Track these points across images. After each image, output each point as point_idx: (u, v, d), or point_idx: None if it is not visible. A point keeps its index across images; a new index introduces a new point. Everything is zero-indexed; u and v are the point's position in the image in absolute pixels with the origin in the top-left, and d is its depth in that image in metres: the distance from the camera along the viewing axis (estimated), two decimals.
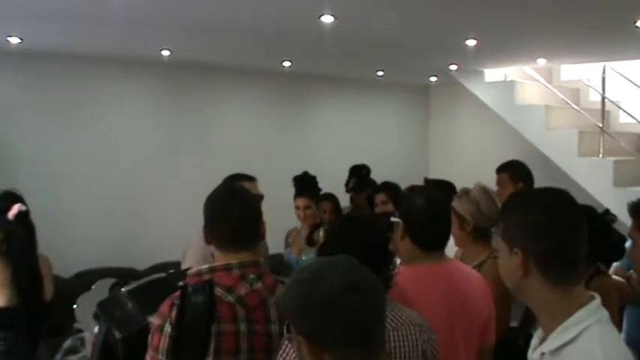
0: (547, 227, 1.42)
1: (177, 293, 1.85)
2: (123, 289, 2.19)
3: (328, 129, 7.49)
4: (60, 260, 5.15)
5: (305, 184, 4.39)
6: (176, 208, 5.98)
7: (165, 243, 5.03)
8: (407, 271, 2.11)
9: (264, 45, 5.26)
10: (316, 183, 4.47)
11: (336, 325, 1.29)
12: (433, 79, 7.43)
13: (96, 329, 2.19)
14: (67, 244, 5.52)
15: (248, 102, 7.00)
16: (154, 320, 1.85)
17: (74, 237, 5.72)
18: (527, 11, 3.97)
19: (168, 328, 1.81)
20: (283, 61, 6.12)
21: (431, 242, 2.20)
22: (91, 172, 5.90)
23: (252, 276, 1.93)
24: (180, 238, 4.61)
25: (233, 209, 1.97)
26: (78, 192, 5.83)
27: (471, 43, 4.92)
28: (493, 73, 6.69)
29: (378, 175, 5.13)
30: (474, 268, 2.63)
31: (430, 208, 2.19)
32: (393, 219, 2.30)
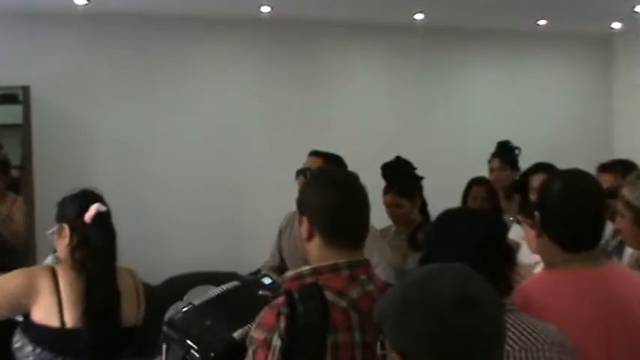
0: None
1: (280, 300, 1.88)
2: (195, 303, 2.24)
3: (473, 96, 7.29)
4: (146, 264, 5.34)
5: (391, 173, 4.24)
6: (287, 197, 5.96)
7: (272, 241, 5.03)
8: (548, 276, 2.14)
9: None
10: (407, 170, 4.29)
11: (443, 346, 1.30)
12: (616, 25, 6.92)
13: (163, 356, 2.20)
14: (154, 244, 5.67)
15: (371, 66, 6.91)
16: (255, 334, 1.87)
17: (163, 235, 5.85)
18: None
19: (277, 342, 1.83)
20: (415, 13, 6.05)
21: (573, 241, 2.14)
22: (182, 156, 6.00)
23: (363, 277, 1.99)
24: None
25: (345, 200, 2.02)
26: (166, 180, 5.93)
27: None
28: None
29: (540, 153, 4.90)
30: None
31: (572, 196, 2.15)
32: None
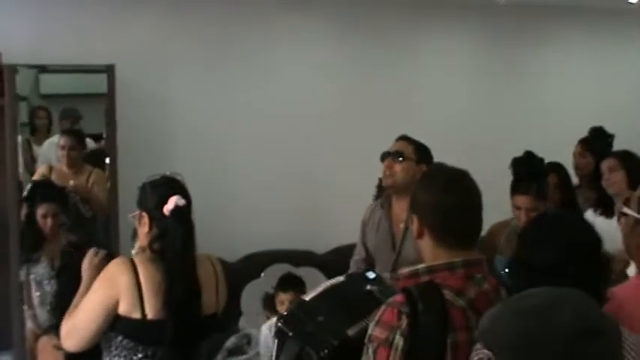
0: None
1: (399, 298, 1.89)
2: (306, 298, 2.24)
3: (557, 78, 7.08)
4: (224, 241, 5.39)
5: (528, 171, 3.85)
6: (363, 177, 5.92)
7: (350, 220, 4.99)
8: None
9: None
10: (542, 169, 3.96)
11: None
12: None
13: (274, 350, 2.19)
14: (232, 222, 5.71)
15: (451, 48, 6.77)
16: (375, 332, 1.89)
17: (240, 212, 5.88)
18: None
19: (399, 341, 1.84)
20: None
21: None
22: (260, 134, 6.00)
23: (478, 276, 1.99)
24: None
25: (458, 198, 2.02)
26: (244, 158, 5.95)
27: None
28: None
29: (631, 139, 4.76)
30: None
31: None
32: (625, 210, 2.21)
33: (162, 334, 2.58)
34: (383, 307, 1.90)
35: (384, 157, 3.60)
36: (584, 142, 5.06)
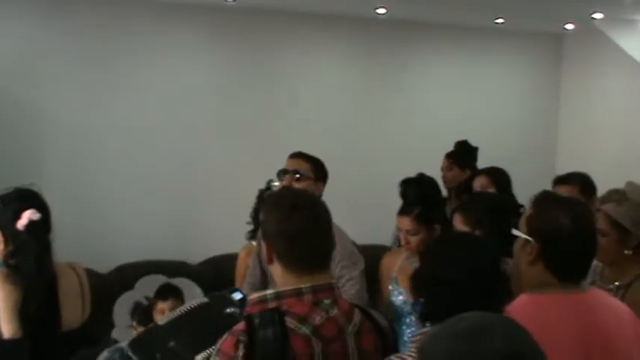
0: None
1: (240, 326, 1.87)
2: (160, 323, 2.20)
3: (429, 91, 7.28)
4: (96, 252, 5.26)
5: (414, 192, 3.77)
6: (238, 188, 5.91)
7: (224, 231, 5.01)
8: (532, 301, 2.10)
9: None
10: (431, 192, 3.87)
11: None
12: (569, 26, 7.03)
13: None
14: (104, 232, 5.59)
15: (330, 59, 6.85)
16: None
17: (113, 223, 5.77)
18: None
19: None
20: (377, 8, 6.04)
21: (575, 271, 2.17)
22: (132, 144, 5.92)
23: (327, 301, 1.96)
24: (242, 226, 4.62)
25: (303, 223, 1.98)
26: (115, 168, 5.85)
27: None
28: None
29: (491, 150, 4.96)
30: (619, 289, 2.64)
31: (580, 228, 2.14)
32: (515, 232, 2.24)
33: (18, 355, 2.52)
34: (225, 335, 1.87)
35: (282, 174, 3.57)
36: (450, 156, 5.28)
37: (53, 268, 2.68)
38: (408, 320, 3.42)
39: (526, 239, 2.16)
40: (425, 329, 2.04)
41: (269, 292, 1.96)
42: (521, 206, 3.10)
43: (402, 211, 3.58)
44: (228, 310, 2.15)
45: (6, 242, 2.63)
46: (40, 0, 5.56)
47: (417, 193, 3.65)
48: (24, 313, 2.53)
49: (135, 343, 2.17)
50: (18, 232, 2.61)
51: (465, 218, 3.09)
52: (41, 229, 2.66)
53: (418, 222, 3.51)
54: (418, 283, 2.13)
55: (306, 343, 1.87)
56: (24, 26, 5.57)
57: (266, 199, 2.08)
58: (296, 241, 1.97)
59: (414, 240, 3.49)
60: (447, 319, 1.38)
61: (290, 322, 1.87)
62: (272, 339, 1.81)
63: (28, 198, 2.70)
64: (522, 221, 2.22)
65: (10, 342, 2.53)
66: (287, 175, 3.52)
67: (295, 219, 1.97)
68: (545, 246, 2.12)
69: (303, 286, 1.94)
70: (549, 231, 2.13)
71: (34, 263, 2.58)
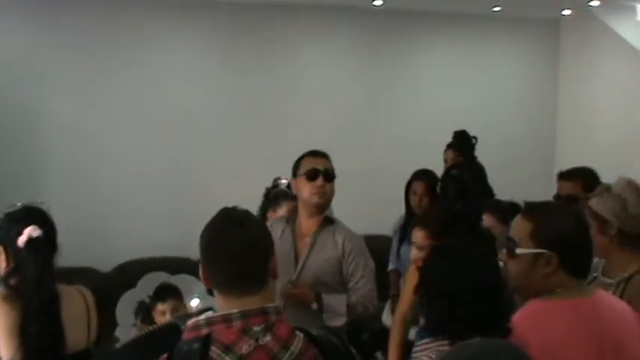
0: None
1: (164, 357, 1.80)
2: (117, 346, 2.19)
3: (429, 80, 7.28)
4: (98, 250, 5.26)
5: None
6: (240, 184, 5.91)
7: None
8: (542, 308, 2.10)
9: None
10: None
11: None
12: (566, 12, 7.01)
13: None
14: (106, 230, 5.60)
15: (328, 50, 6.85)
16: None
17: (115, 220, 5.77)
18: None
19: None
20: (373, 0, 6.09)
21: (589, 266, 2.23)
22: (134, 142, 5.93)
23: (256, 328, 1.82)
24: None
25: (233, 244, 1.87)
26: (118, 166, 5.86)
27: None
28: None
29: (489, 136, 4.96)
30: (619, 284, 2.64)
31: (581, 224, 2.20)
32: (520, 251, 2.17)
33: None
34: None
35: (315, 175, 3.40)
36: (455, 148, 5.25)
37: (55, 289, 2.59)
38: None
39: (537, 253, 2.12)
40: (423, 341, 2.03)
41: (202, 317, 1.85)
42: (517, 205, 3.07)
43: (419, 222, 3.23)
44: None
45: (7, 260, 2.56)
46: (40, 0, 5.54)
47: (456, 188, 3.58)
48: (24, 334, 2.46)
49: None
50: (19, 249, 2.53)
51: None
52: (43, 247, 2.57)
53: (432, 238, 3.09)
54: (420, 299, 2.14)
55: None
56: (24, 26, 5.57)
57: (210, 221, 1.95)
58: (220, 262, 1.88)
59: (420, 255, 3.06)
60: (448, 331, 1.38)
61: (214, 351, 1.77)
62: None
63: (33, 215, 2.62)
64: (523, 238, 2.17)
65: None
66: (320, 176, 3.40)
67: (222, 239, 1.90)
68: (563, 252, 2.12)
69: (232, 311, 1.82)
70: (562, 236, 2.14)
71: (32, 281, 2.51)
